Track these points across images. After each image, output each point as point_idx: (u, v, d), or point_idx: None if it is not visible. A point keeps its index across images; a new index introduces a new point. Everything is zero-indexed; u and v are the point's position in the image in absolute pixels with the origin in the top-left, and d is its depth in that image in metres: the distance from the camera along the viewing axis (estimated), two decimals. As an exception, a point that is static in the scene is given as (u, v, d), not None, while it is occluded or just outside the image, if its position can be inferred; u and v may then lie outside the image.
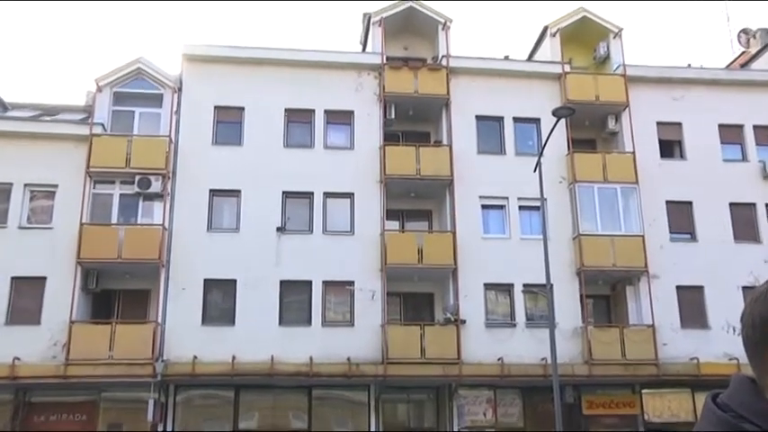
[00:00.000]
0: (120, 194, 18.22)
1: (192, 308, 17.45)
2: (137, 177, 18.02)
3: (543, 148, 15.81)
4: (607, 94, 20.30)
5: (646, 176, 19.79)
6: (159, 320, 17.32)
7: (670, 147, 20.88)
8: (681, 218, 19.74)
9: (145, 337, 16.99)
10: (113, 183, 18.30)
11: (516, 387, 18.24)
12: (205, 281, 17.76)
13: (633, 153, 20.07)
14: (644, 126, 20.35)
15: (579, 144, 20.37)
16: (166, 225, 18.06)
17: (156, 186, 18.06)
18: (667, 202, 19.88)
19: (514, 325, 18.45)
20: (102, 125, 18.64)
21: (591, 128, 20.81)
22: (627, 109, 20.46)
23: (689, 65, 22.25)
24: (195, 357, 16.81)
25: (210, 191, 18.56)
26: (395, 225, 19.51)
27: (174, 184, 18.41)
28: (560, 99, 19.99)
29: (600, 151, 20.64)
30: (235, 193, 18.60)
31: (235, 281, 17.80)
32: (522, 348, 17.95)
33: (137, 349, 16.71)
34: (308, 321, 17.78)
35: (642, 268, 18.98)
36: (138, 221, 18.32)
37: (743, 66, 23.33)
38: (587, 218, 19.27)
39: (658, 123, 20.61)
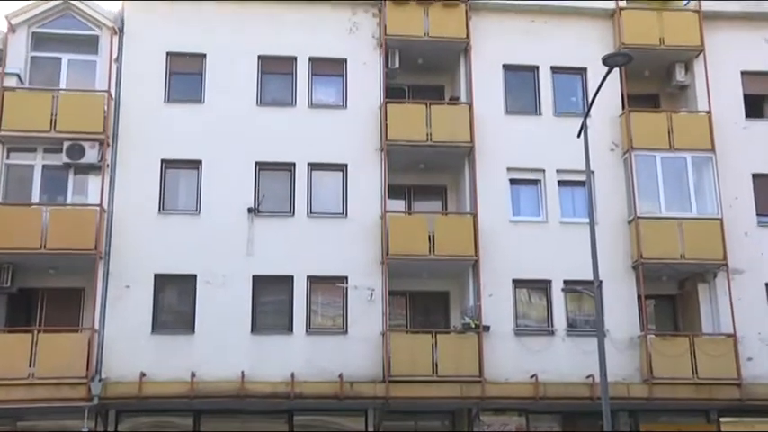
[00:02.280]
0: (44, 166, 17.75)
1: (140, 311, 17.13)
2: (66, 144, 17.43)
3: (590, 107, 15.18)
4: (675, 35, 19.68)
5: (725, 142, 19.28)
6: (96, 327, 16.88)
7: (758, 104, 20.28)
8: (773, 196, 18.85)
9: (77, 350, 16.45)
10: (34, 151, 17.83)
11: (555, 412, 17.92)
12: (156, 277, 17.44)
13: (709, 112, 19.47)
14: (724, 77, 19.77)
15: (638, 101, 19.85)
16: (105, 206, 17.57)
17: (91, 156, 17.49)
18: (754, 175, 19.36)
19: (552, 333, 18.19)
20: (18, 76, 17.96)
21: (653, 80, 20.37)
22: (701, 55, 19.89)
23: (789, -5, 21.53)
24: (143, 375, 16.41)
25: (163, 162, 18.16)
26: (399, 205, 19.27)
27: (116, 153, 17.95)
28: (613, 43, 19.63)
29: (665, 110, 20.05)
30: (194, 164, 18.26)
31: (194, 276, 17.48)
32: (563, 363, 17.71)
33: (66, 365, 16.23)
34: (289, 328, 17.54)
35: (720, 261, 18.45)
36: (68, 201, 17.83)
37: None
38: (648, 196, 18.77)
39: (743, 73, 20.01)
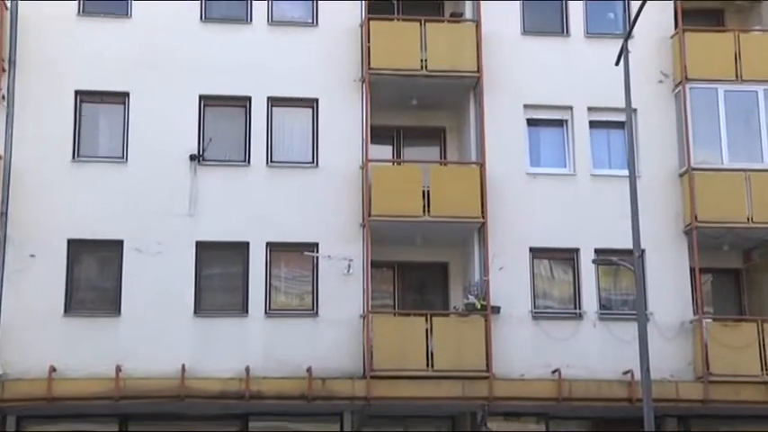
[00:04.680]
0: None
1: (48, 288, 16.96)
2: (-56, 70, 17.10)
3: (633, 26, 15.10)
4: (745, -72, 19.38)
5: (810, 71, 18.81)
6: (-9, 310, 16.86)
7: None
8: None
9: (-35, 338, 16.24)
10: None
11: (583, 417, 18.00)
12: (70, 243, 17.26)
13: (788, 31, 19.00)
14: (811, -16, 19.47)
15: (694, 18, 19.56)
16: (1, 151, 17.24)
17: (-20, 85, 17.28)
18: None
19: (580, 316, 18.11)
20: None
21: (715, -9, 20.00)
22: (780, -45, 19.49)
23: None
24: (53, 369, 16.21)
25: (77, 93, 17.92)
26: (385, 152, 19.20)
27: (13, 82, 17.57)
28: (664, -59, 19.41)
29: (730, 29, 19.66)
30: (119, 97, 18.06)
31: (120, 243, 17.35)
32: (593, 354, 17.66)
33: (-50, 358, 16.02)
34: (243, 308, 17.47)
35: (798, 225, 18.30)
36: (-49, 145, 17.49)
37: None
38: (706, 141, 18.55)
39: (836, -21, 19.75)
